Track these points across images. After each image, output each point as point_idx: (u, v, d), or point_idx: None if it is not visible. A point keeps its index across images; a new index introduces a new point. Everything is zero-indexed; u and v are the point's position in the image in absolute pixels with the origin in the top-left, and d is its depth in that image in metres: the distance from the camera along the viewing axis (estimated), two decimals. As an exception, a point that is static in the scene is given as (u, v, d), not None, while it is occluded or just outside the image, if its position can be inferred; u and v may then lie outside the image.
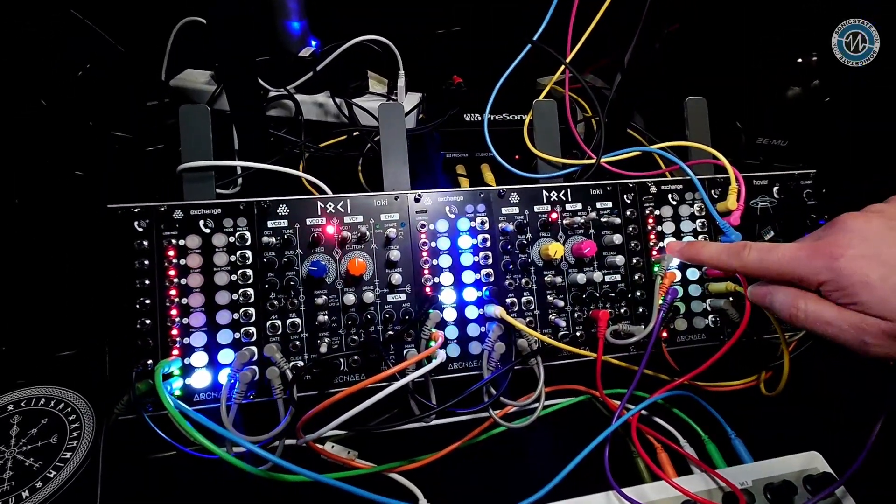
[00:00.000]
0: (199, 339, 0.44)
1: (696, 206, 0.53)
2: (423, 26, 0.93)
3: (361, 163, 0.75)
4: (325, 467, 0.45)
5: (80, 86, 0.73)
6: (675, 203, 0.53)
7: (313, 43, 0.87)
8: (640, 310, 0.51)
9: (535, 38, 0.61)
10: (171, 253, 0.44)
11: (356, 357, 0.46)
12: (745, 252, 0.41)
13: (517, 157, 0.70)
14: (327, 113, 0.81)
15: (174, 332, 0.43)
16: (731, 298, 0.51)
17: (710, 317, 0.52)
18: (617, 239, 0.50)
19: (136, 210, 0.44)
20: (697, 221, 0.53)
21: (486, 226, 0.49)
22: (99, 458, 0.40)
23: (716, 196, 0.54)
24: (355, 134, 0.78)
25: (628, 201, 0.52)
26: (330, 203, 0.47)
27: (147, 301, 0.43)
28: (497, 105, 0.67)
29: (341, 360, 0.45)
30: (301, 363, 0.45)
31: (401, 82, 0.82)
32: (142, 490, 0.44)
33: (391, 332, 0.46)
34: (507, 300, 0.49)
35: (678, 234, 0.53)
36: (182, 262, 0.44)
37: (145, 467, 0.45)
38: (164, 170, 0.71)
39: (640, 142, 0.81)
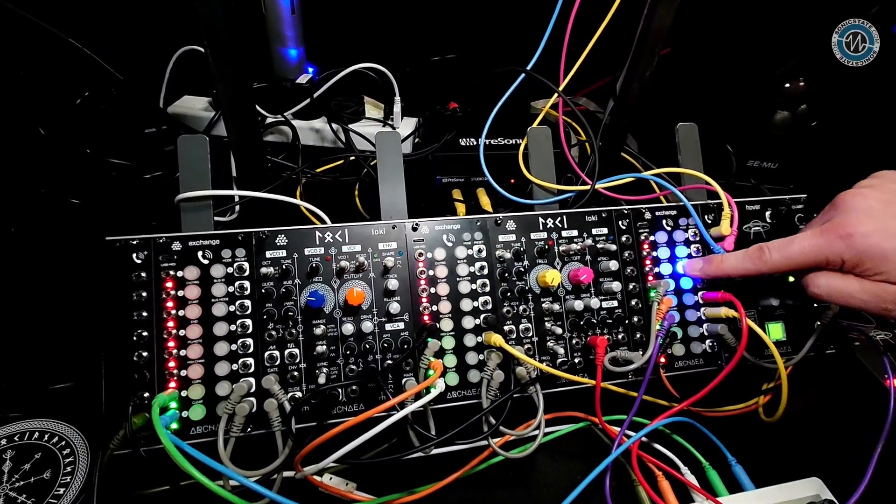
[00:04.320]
0: (196, 371, 0.43)
1: (690, 231, 0.54)
2: (418, 53, 0.95)
3: (358, 188, 0.76)
4: (324, 500, 0.45)
5: (78, 113, 0.74)
6: (669, 229, 0.54)
7: (310, 70, 0.89)
8: (638, 335, 0.51)
9: (528, 67, 0.63)
10: (168, 284, 0.44)
11: (354, 387, 0.45)
12: (765, 254, 0.45)
13: (512, 181, 0.71)
14: (324, 138, 0.82)
15: (171, 364, 0.43)
16: (726, 323, 0.51)
17: (707, 341, 0.52)
18: (613, 265, 0.50)
19: (134, 242, 0.44)
20: (692, 247, 0.54)
21: (484, 253, 0.50)
22: (94, 494, 0.39)
23: (709, 221, 0.54)
24: (351, 159, 0.78)
25: (623, 227, 0.53)
26: (328, 232, 0.47)
27: (144, 333, 0.43)
28: (492, 128, 0.68)
29: (340, 390, 0.45)
30: (299, 394, 0.45)
31: (397, 108, 0.84)
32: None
33: (390, 362, 0.46)
34: (506, 327, 0.49)
35: (673, 260, 0.53)
36: (180, 293, 0.44)
37: (140, 503, 0.44)
38: (163, 196, 0.71)
39: (634, 166, 0.82)
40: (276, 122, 0.80)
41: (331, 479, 0.46)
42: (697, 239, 0.54)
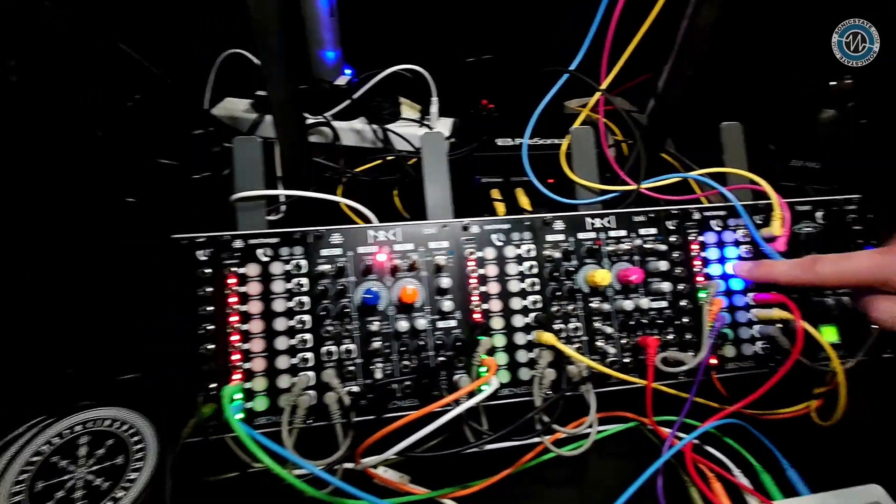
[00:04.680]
0: (259, 364, 0.45)
1: (739, 232, 0.53)
2: (453, 53, 0.96)
3: (398, 188, 0.77)
4: (377, 491, 0.46)
5: (129, 116, 0.77)
6: (718, 230, 0.53)
7: (347, 71, 0.90)
8: (688, 336, 0.51)
9: (572, 67, 0.63)
10: (231, 281, 0.46)
11: (408, 383, 0.46)
12: (818, 265, 0.43)
13: (550, 180, 0.71)
14: (363, 139, 0.84)
15: (235, 357, 0.45)
16: (779, 325, 0.51)
17: (759, 343, 0.52)
18: (662, 265, 0.50)
19: (200, 240, 0.46)
20: (741, 248, 0.53)
21: (533, 253, 0.50)
22: (166, 479, 0.41)
23: (759, 222, 0.54)
24: (389, 159, 0.80)
25: (672, 228, 0.53)
26: (381, 231, 0.49)
27: (210, 327, 0.45)
28: (522, 129, 0.68)
29: (395, 385, 0.46)
30: (356, 388, 0.46)
31: (434, 108, 0.85)
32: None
33: (442, 359, 0.47)
34: (555, 326, 0.49)
35: (722, 261, 0.53)
36: (242, 289, 0.46)
37: (203, 490, 0.46)
38: (210, 196, 0.74)
39: (675, 166, 0.82)
40: (316, 123, 0.82)
41: (385, 471, 0.47)
42: (747, 240, 0.53)
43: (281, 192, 0.55)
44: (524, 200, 0.75)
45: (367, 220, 0.59)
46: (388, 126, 0.83)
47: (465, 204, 0.77)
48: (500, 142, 0.78)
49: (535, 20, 0.99)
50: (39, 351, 0.55)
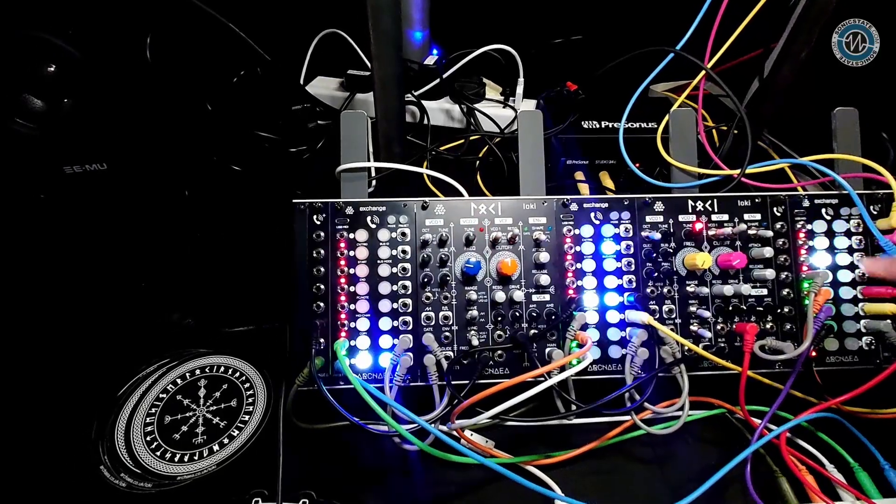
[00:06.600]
0: (363, 324, 0.48)
1: (852, 222, 0.51)
2: (541, 34, 0.95)
3: (479, 166, 0.78)
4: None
5: (234, 91, 0.82)
6: (829, 218, 0.51)
7: (435, 52, 0.92)
8: (788, 326, 0.49)
9: (678, 47, 0.61)
10: (342, 245, 0.49)
11: (501, 352, 0.48)
12: None
13: (637, 164, 0.70)
14: (451, 118, 0.85)
15: (342, 316, 0.48)
16: (890, 321, 0.48)
17: (865, 338, 0.50)
18: (767, 252, 0.49)
19: (317, 205, 0.49)
20: (853, 238, 0.51)
21: (630, 233, 0.50)
22: (279, 422, 0.45)
23: (875, 212, 0.51)
24: (472, 138, 0.81)
25: (778, 214, 0.51)
26: (482, 204, 0.50)
27: (321, 286, 0.48)
28: (599, 112, 0.67)
29: (489, 353, 0.48)
30: (451, 353, 0.48)
31: (520, 89, 0.85)
32: (311, 456, 0.49)
33: (535, 331, 0.48)
34: (649, 307, 0.49)
35: (832, 251, 0.51)
36: (351, 253, 0.49)
37: (308, 435, 0.50)
38: (305, 169, 0.78)
39: (769, 153, 0.78)
40: (407, 102, 0.84)
41: (472, 434, 0.49)
42: (861, 230, 0.51)
43: (386, 165, 0.58)
44: (609, 183, 0.74)
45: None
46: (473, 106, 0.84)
47: (549, 185, 0.77)
48: (585, 124, 0.77)
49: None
50: (165, 301, 0.61)
